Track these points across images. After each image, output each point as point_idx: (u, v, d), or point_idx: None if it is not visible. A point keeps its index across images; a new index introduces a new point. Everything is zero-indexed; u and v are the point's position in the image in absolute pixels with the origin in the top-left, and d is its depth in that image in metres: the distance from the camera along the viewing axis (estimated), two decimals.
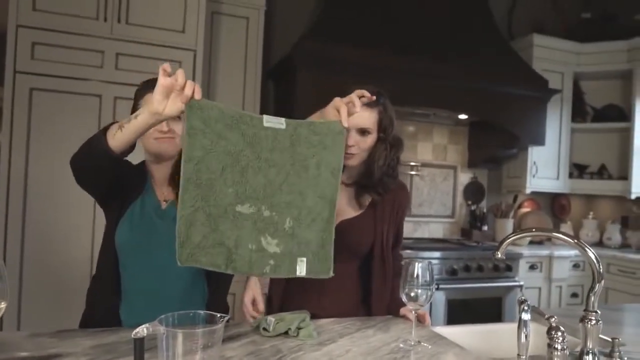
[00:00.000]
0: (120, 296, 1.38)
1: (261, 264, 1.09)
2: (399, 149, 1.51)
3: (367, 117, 1.45)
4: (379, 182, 1.48)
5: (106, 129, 1.22)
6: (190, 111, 1.05)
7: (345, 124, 1.23)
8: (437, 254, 3.24)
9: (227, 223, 1.06)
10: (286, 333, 1.23)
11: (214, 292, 1.44)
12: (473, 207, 4.01)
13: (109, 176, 1.30)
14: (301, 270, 1.12)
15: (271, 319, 1.25)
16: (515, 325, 1.13)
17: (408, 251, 3.09)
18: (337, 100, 1.30)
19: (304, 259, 1.13)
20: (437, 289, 3.17)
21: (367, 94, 1.32)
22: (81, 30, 2.53)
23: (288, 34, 3.41)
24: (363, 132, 1.45)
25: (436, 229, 4.02)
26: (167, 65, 1.09)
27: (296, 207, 1.12)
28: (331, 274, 1.18)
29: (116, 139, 1.18)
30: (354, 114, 1.27)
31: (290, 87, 3.16)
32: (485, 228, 3.93)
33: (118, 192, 1.38)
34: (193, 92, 1.07)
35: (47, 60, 2.47)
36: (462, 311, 3.24)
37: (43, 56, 2.47)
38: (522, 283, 3.41)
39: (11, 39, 2.43)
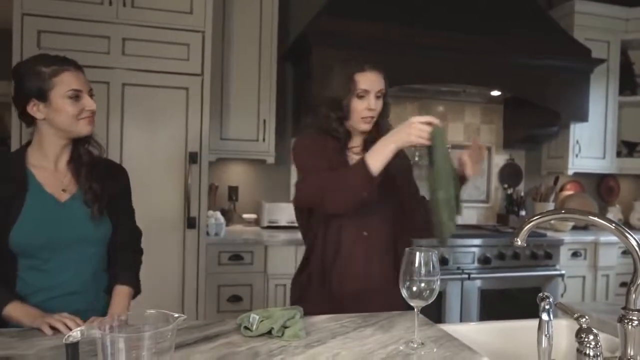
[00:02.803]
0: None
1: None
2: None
3: (381, 81, 1.53)
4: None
5: None
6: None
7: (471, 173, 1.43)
8: (469, 242, 3.02)
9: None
10: (270, 333, 1.09)
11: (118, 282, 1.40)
12: (509, 191, 3.73)
13: None
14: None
15: (255, 316, 1.11)
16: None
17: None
18: (464, 155, 1.45)
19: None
20: (469, 278, 2.96)
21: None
22: (86, 16, 2.46)
23: (305, 13, 3.24)
24: (379, 95, 1.52)
25: (470, 215, 3.77)
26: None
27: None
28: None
29: None
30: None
31: (307, 67, 2.99)
32: (523, 213, 3.64)
33: None
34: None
35: (53, 49, 2.36)
36: (497, 303, 3.01)
37: (49, 44, 2.41)
38: (563, 272, 3.13)
39: (17, 28, 2.38)
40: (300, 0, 3.40)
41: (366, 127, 1.53)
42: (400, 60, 2.95)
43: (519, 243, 1.13)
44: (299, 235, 2.87)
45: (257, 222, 3.29)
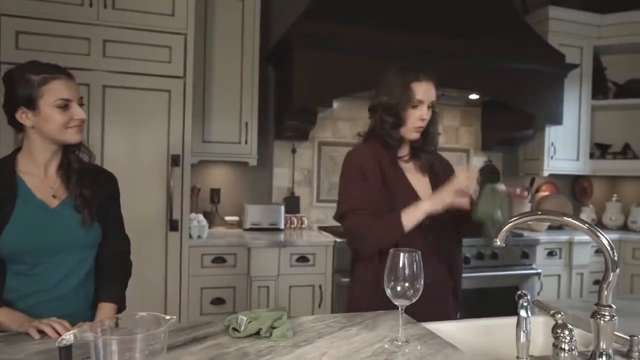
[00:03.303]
0: None
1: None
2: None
3: (433, 92, 1.57)
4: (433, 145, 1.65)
5: None
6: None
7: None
8: None
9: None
10: (258, 333, 1.10)
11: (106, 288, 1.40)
12: None
13: None
14: None
15: (243, 317, 1.12)
16: None
17: None
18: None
19: None
20: None
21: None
22: (66, 17, 2.43)
23: (287, 16, 3.26)
24: (430, 106, 1.56)
25: None
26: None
27: None
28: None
29: None
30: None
31: (289, 70, 3.01)
32: None
33: None
34: None
35: (32, 50, 2.38)
36: (476, 302, 3.07)
37: (28, 45, 2.38)
38: (540, 271, 3.23)
39: None
40: (282, 2, 3.42)
41: (416, 136, 1.57)
42: (380, 63, 2.99)
43: (498, 243, 1.17)
44: (281, 237, 2.92)
45: (239, 224, 3.29)
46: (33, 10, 2.39)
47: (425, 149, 1.62)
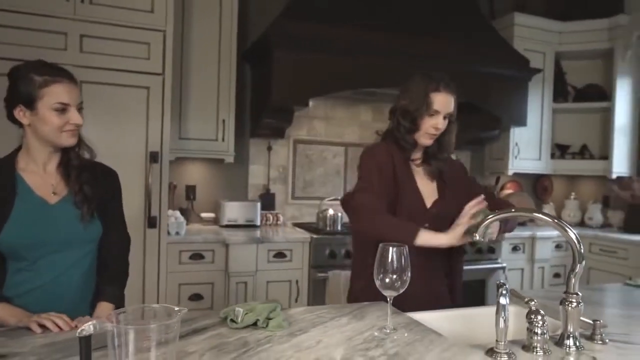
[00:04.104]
0: None
1: None
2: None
3: (452, 104, 1.61)
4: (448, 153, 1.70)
5: None
6: None
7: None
8: None
9: None
10: (255, 324, 1.16)
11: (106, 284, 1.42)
12: None
13: None
14: None
15: (239, 309, 1.18)
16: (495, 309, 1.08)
17: None
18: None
19: None
20: None
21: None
22: (42, 11, 2.40)
23: (265, 14, 3.30)
24: (446, 116, 1.60)
25: None
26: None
27: None
28: None
29: None
30: None
31: (266, 69, 3.06)
32: None
33: None
34: None
35: (7, 43, 2.34)
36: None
37: (3, 38, 2.34)
38: (504, 265, 3.40)
39: None
40: (259, 2, 3.45)
41: (428, 142, 1.62)
42: (355, 64, 3.09)
43: (477, 238, 1.28)
44: (258, 233, 2.97)
45: (215, 221, 3.31)
46: (9, 2, 2.34)
47: (438, 157, 1.67)
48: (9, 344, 1.01)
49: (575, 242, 1.13)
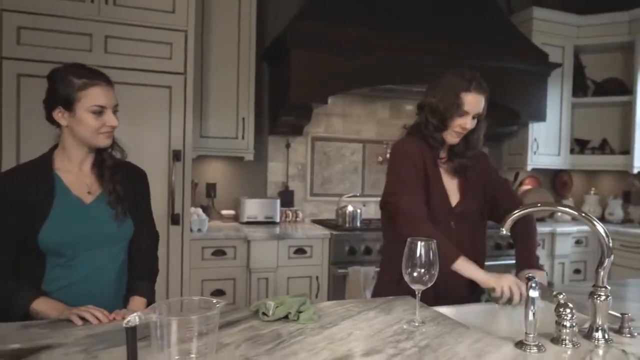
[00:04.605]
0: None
1: None
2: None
3: (482, 104, 1.58)
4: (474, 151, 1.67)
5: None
6: None
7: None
8: None
9: None
10: (286, 317, 1.19)
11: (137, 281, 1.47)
12: None
13: None
14: None
15: (270, 303, 1.21)
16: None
17: None
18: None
19: None
20: None
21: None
22: (68, 13, 2.45)
23: (282, 14, 3.32)
24: (475, 116, 1.58)
25: None
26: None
27: None
28: None
29: None
30: None
31: (284, 68, 3.08)
32: None
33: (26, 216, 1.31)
34: None
35: (33, 45, 2.40)
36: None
37: (29, 41, 2.40)
38: None
39: None
40: (277, 2, 3.48)
41: (455, 140, 1.61)
42: (372, 62, 3.10)
43: (504, 232, 1.29)
44: (278, 230, 3.01)
45: (235, 217, 3.36)
46: (35, 5, 2.40)
47: (464, 155, 1.65)
48: (52, 335, 1.06)
49: (604, 235, 1.14)
